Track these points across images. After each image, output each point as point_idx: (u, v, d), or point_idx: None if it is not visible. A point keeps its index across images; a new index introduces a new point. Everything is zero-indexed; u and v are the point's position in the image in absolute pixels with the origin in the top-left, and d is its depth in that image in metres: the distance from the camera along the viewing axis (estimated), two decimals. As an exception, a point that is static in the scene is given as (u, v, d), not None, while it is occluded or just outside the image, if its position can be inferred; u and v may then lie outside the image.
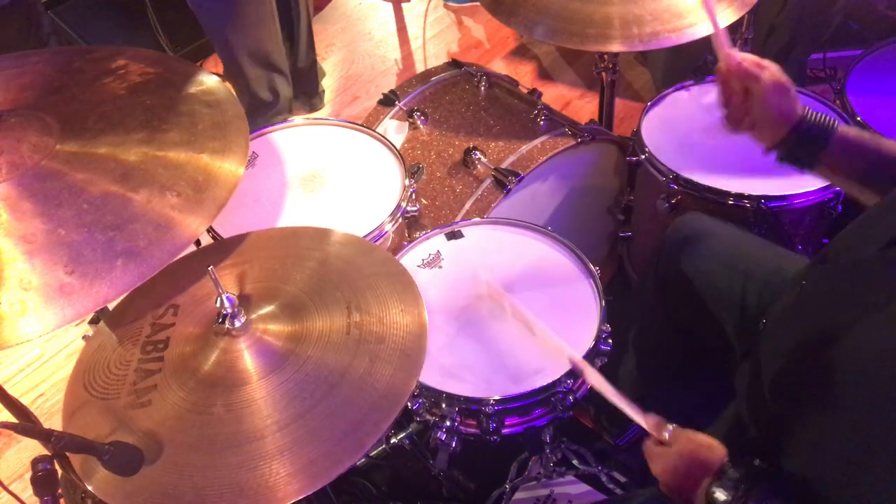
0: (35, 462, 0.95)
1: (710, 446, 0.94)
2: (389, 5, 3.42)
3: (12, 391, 1.27)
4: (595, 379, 1.07)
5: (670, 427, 0.99)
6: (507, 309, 1.32)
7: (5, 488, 1.01)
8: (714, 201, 1.56)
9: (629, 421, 1.03)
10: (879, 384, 0.76)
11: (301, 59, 2.78)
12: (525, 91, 1.94)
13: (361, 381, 0.98)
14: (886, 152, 1.05)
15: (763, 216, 1.52)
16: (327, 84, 3.01)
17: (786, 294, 1.06)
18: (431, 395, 1.26)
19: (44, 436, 0.86)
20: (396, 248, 1.52)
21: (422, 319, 1.07)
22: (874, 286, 0.85)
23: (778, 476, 0.89)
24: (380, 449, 1.56)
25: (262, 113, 2.61)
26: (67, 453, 0.96)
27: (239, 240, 1.25)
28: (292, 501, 0.88)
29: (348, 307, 1.08)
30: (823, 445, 0.84)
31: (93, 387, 1.05)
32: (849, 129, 1.08)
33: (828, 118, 1.08)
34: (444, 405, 1.25)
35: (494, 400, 1.21)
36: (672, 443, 0.97)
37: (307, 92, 2.88)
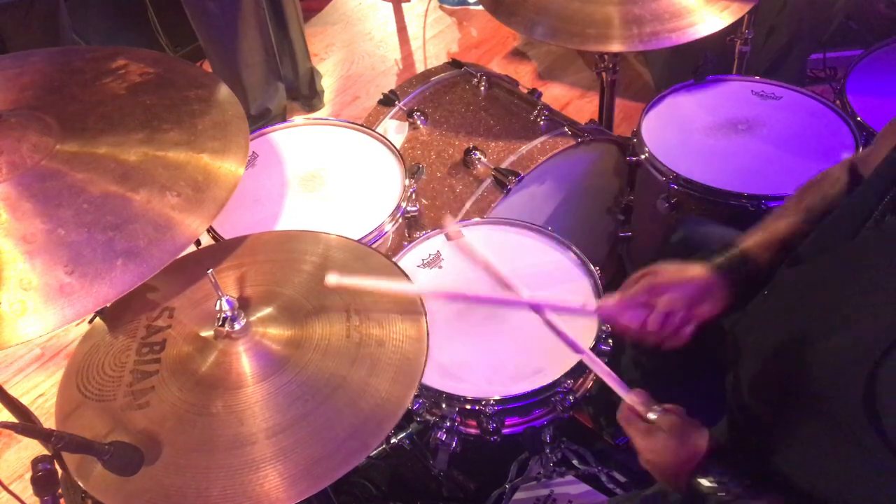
0: (35, 462, 0.95)
1: (700, 431, 0.94)
2: (389, 5, 3.42)
3: (12, 391, 1.27)
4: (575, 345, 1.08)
5: (657, 407, 0.97)
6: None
7: (5, 488, 1.01)
8: (714, 201, 1.56)
9: None
10: (853, 386, 0.75)
11: (298, 66, 2.79)
12: (525, 91, 1.94)
13: (363, 383, 0.98)
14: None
15: (763, 216, 1.51)
16: (327, 84, 3.01)
17: (756, 298, 1.06)
18: (431, 395, 1.25)
19: (44, 436, 0.86)
20: (396, 249, 1.52)
21: (421, 323, 1.06)
22: (838, 290, 0.85)
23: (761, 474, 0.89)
24: (380, 449, 1.56)
25: (255, 122, 2.62)
26: (64, 455, 0.96)
27: (234, 243, 1.24)
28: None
29: (347, 311, 1.08)
30: (806, 447, 0.84)
31: (87, 388, 1.04)
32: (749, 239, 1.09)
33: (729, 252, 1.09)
34: (444, 405, 1.25)
35: (494, 400, 1.21)
36: (661, 423, 0.95)
37: (306, 95, 2.89)
